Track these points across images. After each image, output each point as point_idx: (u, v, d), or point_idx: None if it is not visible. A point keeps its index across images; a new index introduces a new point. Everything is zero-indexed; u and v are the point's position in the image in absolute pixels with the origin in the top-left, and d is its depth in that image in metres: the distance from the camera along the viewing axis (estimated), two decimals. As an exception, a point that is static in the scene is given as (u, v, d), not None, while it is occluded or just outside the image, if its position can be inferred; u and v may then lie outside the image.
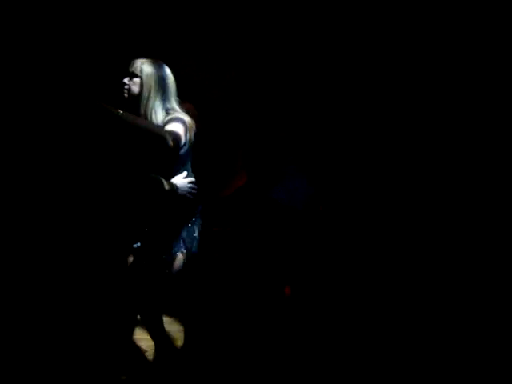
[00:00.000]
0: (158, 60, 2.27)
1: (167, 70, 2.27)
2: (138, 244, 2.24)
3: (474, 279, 3.00)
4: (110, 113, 2.04)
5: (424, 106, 3.32)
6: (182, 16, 3.43)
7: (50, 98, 2.77)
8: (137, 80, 2.20)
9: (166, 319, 2.39)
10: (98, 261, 2.54)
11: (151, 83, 2.21)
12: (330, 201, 3.39)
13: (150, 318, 2.30)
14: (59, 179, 2.66)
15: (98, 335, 2.52)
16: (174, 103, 2.25)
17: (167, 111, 2.22)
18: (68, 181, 2.65)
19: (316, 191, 3.28)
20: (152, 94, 2.21)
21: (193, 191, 2.25)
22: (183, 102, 2.32)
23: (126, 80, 2.21)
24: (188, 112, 2.31)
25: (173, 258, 2.23)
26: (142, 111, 2.20)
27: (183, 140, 2.18)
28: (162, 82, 2.23)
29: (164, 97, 2.23)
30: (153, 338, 2.34)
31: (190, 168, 2.31)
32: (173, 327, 2.73)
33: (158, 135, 2.11)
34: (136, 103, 2.21)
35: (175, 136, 2.12)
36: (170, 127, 2.15)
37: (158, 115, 2.19)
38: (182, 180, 2.23)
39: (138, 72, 2.20)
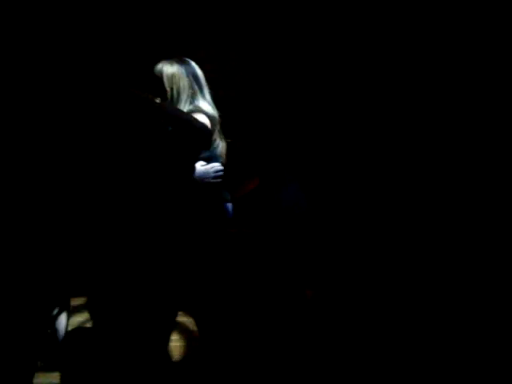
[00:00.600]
0: (179, 58, 2.25)
1: (190, 67, 2.25)
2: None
3: (476, 278, 2.98)
4: (147, 101, 2.03)
5: (420, 108, 3.33)
6: (196, 12, 3.43)
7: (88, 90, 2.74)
8: (161, 83, 2.19)
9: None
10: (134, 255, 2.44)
11: (173, 84, 2.20)
12: (326, 203, 3.38)
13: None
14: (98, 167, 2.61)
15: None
16: (202, 98, 2.23)
17: (191, 110, 2.18)
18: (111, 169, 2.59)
19: (306, 195, 3.23)
20: (176, 94, 2.19)
21: (218, 175, 2.20)
22: None
23: (152, 85, 2.20)
24: None
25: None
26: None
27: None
28: (184, 80, 2.21)
29: (190, 94, 2.21)
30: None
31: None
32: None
33: (192, 123, 2.08)
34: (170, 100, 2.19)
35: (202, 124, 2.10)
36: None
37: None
38: (200, 167, 2.18)
39: (158, 75, 2.19)
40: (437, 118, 3.29)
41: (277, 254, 3.20)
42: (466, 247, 3.07)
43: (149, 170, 2.19)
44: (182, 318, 2.79)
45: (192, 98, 2.21)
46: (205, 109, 2.20)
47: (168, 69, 2.20)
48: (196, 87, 2.23)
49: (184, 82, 2.21)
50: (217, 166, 2.21)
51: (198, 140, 2.11)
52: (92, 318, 2.63)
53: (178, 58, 2.25)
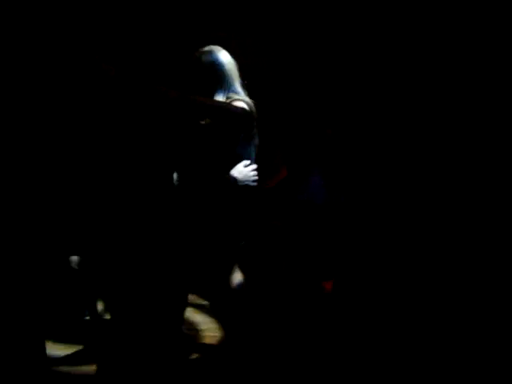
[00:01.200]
0: (215, 47, 2.25)
1: (224, 56, 2.24)
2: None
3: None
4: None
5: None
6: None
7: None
8: (198, 73, 2.19)
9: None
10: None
11: (212, 73, 2.19)
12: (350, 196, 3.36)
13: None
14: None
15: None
16: (236, 89, 2.23)
17: (228, 98, 2.20)
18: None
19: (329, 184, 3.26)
20: (215, 83, 2.19)
21: (255, 178, 2.21)
22: None
23: (187, 74, 2.20)
24: None
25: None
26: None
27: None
28: (220, 69, 2.20)
29: (225, 84, 2.21)
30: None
31: (253, 157, 2.28)
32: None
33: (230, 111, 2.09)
34: (211, 92, 2.19)
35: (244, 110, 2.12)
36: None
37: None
38: (242, 169, 2.18)
39: (196, 65, 2.20)
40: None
41: (295, 245, 3.25)
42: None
43: (186, 167, 2.18)
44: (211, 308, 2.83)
45: (229, 87, 2.21)
46: (242, 97, 2.22)
47: (207, 57, 2.21)
48: (232, 76, 2.24)
49: (222, 71, 2.21)
50: (254, 167, 2.23)
51: (238, 124, 2.12)
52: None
53: (214, 47, 2.25)
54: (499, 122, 3.00)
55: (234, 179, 2.15)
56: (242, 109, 2.11)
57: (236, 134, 2.17)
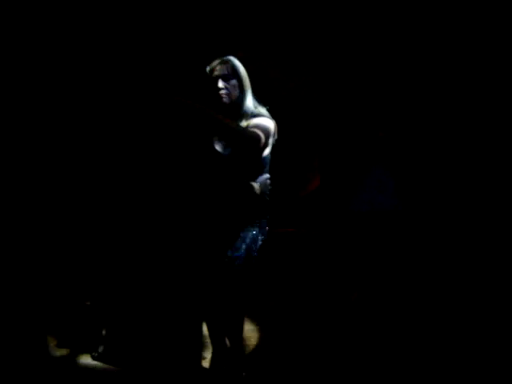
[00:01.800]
0: (234, 56, 2.17)
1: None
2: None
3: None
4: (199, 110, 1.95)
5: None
6: (254, 10, 3.34)
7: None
8: (233, 82, 2.08)
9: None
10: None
11: (247, 82, 2.12)
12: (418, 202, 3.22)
13: (233, 319, 2.19)
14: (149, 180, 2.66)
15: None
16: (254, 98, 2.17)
17: (255, 108, 2.14)
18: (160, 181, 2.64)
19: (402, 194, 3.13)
20: (248, 94, 2.12)
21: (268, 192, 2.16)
22: None
23: (221, 84, 2.07)
24: None
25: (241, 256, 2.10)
26: (242, 112, 2.10)
27: (270, 138, 2.09)
28: (249, 79, 2.14)
29: (252, 94, 2.15)
30: (232, 338, 2.22)
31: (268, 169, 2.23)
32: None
33: (244, 133, 2.02)
34: (235, 106, 2.11)
35: (264, 130, 2.03)
36: (258, 121, 2.06)
37: (250, 113, 2.11)
38: (265, 181, 2.14)
39: (234, 73, 2.09)
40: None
41: (330, 254, 3.17)
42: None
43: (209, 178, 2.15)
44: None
45: (253, 100, 2.15)
46: (265, 112, 2.16)
47: (240, 67, 2.11)
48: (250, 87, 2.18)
49: (249, 83, 2.14)
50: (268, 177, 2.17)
51: (249, 151, 2.04)
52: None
53: (234, 56, 2.15)
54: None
55: (257, 188, 2.10)
56: (259, 136, 2.03)
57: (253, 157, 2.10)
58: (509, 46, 3.02)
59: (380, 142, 3.22)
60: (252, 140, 2.02)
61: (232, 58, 2.12)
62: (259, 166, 2.14)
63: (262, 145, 2.04)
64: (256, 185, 2.10)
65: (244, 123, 2.09)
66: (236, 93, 2.09)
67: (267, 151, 2.13)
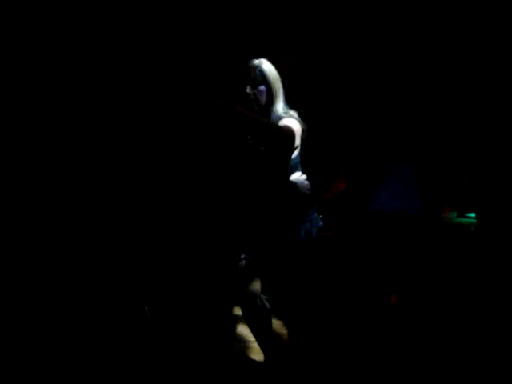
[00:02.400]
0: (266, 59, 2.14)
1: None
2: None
3: None
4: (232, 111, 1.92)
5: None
6: (282, 12, 3.40)
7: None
8: (262, 88, 2.07)
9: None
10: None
11: (277, 88, 2.09)
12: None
13: (261, 320, 2.23)
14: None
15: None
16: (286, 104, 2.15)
17: (285, 113, 2.12)
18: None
19: (426, 194, 3.11)
20: (277, 100, 2.10)
21: (309, 187, 2.13)
22: None
23: (248, 90, 2.07)
24: None
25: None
26: (270, 118, 2.08)
27: (297, 139, 2.07)
28: (281, 83, 2.12)
29: (283, 99, 2.13)
30: (259, 337, 2.26)
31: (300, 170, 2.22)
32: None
33: (274, 130, 2.02)
34: (263, 112, 2.09)
35: (290, 131, 2.01)
36: (283, 122, 2.05)
37: (278, 119, 2.09)
38: (300, 178, 2.12)
39: (262, 78, 2.07)
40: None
41: (367, 257, 3.17)
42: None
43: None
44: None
45: (284, 104, 2.14)
46: (294, 114, 2.14)
47: (271, 71, 2.08)
48: (283, 92, 2.15)
49: (280, 87, 2.12)
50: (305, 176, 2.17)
51: (283, 147, 2.02)
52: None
53: (266, 59, 2.13)
54: None
55: (296, 185, 2.09)
56: (290, 130, 2.01)
57: (286, 154, 2.07)
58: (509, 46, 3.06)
59: (380, 146, 3.26)
60: (285, 134, 1.99)
61: (261, 62, 2.09)
62: (293, 164, 2.13)
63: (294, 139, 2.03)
64: (298, 180, 2.10)
65: None
66: (263, 99, 2.07)
67: (296, 152, 2.12)
